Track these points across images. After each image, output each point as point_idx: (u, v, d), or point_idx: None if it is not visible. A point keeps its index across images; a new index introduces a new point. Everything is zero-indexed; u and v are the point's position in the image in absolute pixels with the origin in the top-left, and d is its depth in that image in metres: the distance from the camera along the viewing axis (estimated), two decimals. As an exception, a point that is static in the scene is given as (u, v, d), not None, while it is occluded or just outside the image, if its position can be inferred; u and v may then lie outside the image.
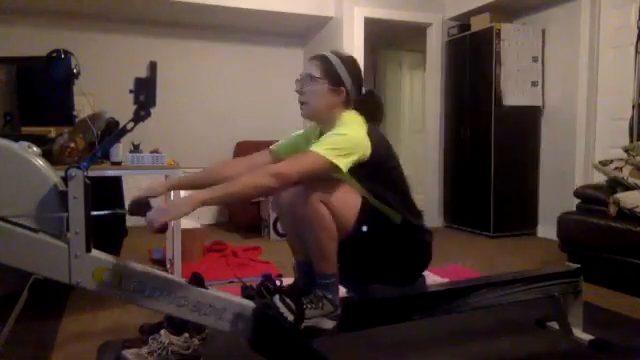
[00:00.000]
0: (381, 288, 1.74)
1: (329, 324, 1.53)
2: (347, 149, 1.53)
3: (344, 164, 1.52)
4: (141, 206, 1.51)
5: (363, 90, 1.78)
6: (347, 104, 1.71)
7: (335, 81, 1.68)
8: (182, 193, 1.70)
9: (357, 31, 4.85)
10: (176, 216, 1.40)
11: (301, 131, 1.91)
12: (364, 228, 1.59)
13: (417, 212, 1.76)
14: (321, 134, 1.73)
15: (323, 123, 1.74)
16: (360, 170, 1.60)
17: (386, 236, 1.66)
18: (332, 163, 1.51)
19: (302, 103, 1.72)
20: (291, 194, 1.60)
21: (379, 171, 1.65)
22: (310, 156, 1.52)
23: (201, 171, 1.80)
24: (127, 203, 1.58)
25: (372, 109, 1.76)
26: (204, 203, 1.38)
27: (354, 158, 1.55)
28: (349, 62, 1.72)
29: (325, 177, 1.56)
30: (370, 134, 1.63)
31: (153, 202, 1.52)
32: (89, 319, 2.34)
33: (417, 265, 1.78)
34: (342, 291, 1.71)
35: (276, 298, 1.52)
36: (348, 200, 1.60)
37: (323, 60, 1.70)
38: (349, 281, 1.73)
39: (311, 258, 1.62)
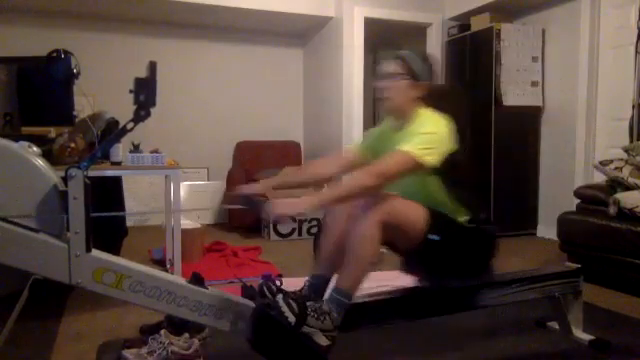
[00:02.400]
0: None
1: (323, 341, 1.51)
2: (435, 147, 1.63)
3: (434, 161, 1.62)
4: (252, 199, 1.68)
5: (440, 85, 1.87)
6: (425, 99, 1.80)
7: (414, 76, 1.77)
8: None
9: (357, 31, 4.85)
10: (292, 212, 1.54)
11: (376, 128, 2.01)
12: (435, 237, 1.65)
13: (480, 206, 1.82)
14: (398, 129, 1.82)
15: (403, 117, 1.82)
16: (441, 167, 1.67)
17: (454, 239, 1.73)
18: (424, 161, 1.61)
19: (385, 99, 1.81)
20: (355, 208, 1.66)
21: (455, 166, 1.73)
22: (404, 155, 1.62)
23: (293, 171, 1.92)
24: (126, 204, 1.59)
25: (449, 103, 1.88)
26: (318, 204, 1.57)
27: (442, 154, 1.65)
28: (425, 58, 1.84)
29: (411, 174, 1.66)
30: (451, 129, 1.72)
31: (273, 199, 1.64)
32: (89, 319, 2.34)
33: (486, 257, 1.86)
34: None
35: (280, 297, 1.51)
36: (413, 212, 1.66)
37: (402, 58, 1.80)
38: (428, 279, 1.84)
39: (340, 273, 1.62)
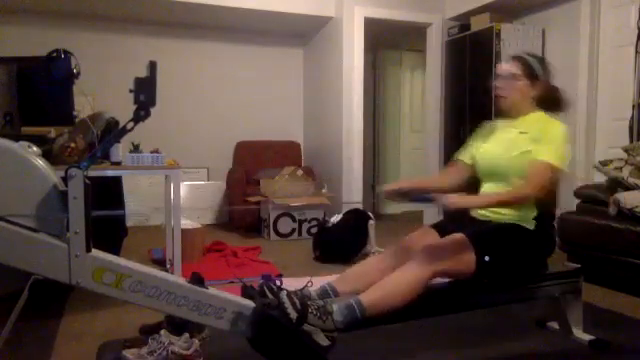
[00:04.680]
0: None
1: (324, 340, 1.51)
2: (565, 153, 1.84)
3: (565, 164, 1.82)
4: (427, 195, 1.83)
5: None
6: (539, 99, 1.98)
7: (532, 77, 1.95)
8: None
9: (357, 31, 4.85)
10: (465, 206, 1.83)
11: (477, 134, 2.17)
12: (487, 258, 1.75)
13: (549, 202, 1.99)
14: (510, 125, 1.99)
15: (516, 113, 1.99)
16: None
17: (511, 246, 1.84)
18: (560, 168, 1.80)
19: (502, 97, 1.99)
20: (413, 251, 1.75)
21: None
22: (547, 167, 1.80)
23: (430, 178, 2.10)
24: (126, 203, 1.59)
25: (556, 104, 2.04)
26: (484, 205, 1.90)
27: (568, 159, 1.85)
28: (541, 61, 2.02)
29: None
30: None
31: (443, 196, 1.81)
32: (89, 319, 2.34)
33: (544, 254, 1.97)
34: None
35: (283, 294, 1.51)
36: (458, 250, 1.74)
37: (520, 60, 1.98)
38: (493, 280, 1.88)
39: (370, 289, 1.64)
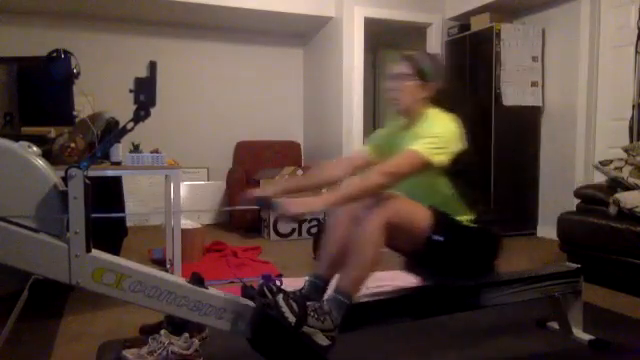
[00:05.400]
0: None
1: (324, 341, 1.51)
2: (445, 147, 1.67)
3: (443, 161, 1.66)
4: (267, 200, 1.74)
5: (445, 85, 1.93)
6: (433, 99, 1.85)
7: (423, 77, 1.82)
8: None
9: (357, 31, 4.85)
10: (305, 211, 1.55)
11: (382, 129, 2.04)
12: (439, 238, 1.67)
13: (486, 207, 1.84)
14: (405, 128, 1.86)
15: (411, 117, 1.86)
16: (450, 166, 1.70)
17: (458, 240, 1.74)
18: (433, 161, 1.64)
19: (394, 99, 1.85)
20: (355, 211, 1.68)
21: (464, 166, 1.78)
22: (414, 155, 1.65)
23: (304, 175, 1.97)
24: (126, 204, 1.59)
25: (455, 103, 1.92)
26: (330, 204, 1.59)
27: (451, 154, 1.69)
28: (434, 59, 1.91)
29: (419, 174, 1.68)
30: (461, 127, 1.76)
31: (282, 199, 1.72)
32: (89, 319, 2.34)
33: (490, 257, 1.90)
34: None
35: (280, 297, 1.51)
36: (417, 214, 1.68)
37: (411, 59, 1.85)
38: (430, 279, 1.86)
39: (342, 274, 1.63)
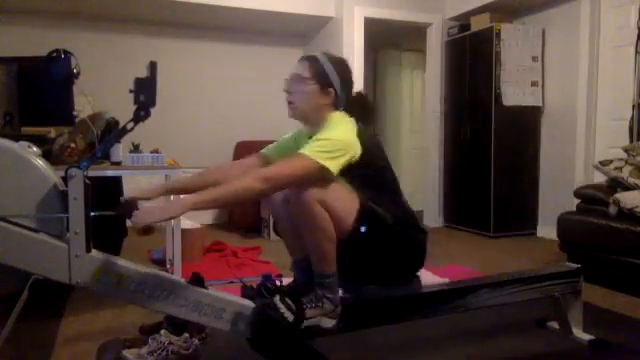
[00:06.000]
0: (376, 289, 1.75)
1: (329, 323, 1.53)
2: (337, 151, 1.54)
3: (334, 166, 1.53)
4: (126, 206, 1.45)
5: (353, 92, 1.79)
6: (336, 106, 1.72)
7: (324, 82, 1.68)
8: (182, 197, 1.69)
9: (357, 31, 4.85)
10: (161, 218, 1.37)
11: (290, 134, 1.92)
12: (363, 228, 1.60)
13: (410, 212, 1.78)
14: (310, 136, 1.70)
15: (311, 124, 1.75)
16: (351, 171, 1.60)
17: (381, 236, 1.66)
18: (322, 166, 1.51)
19: (290, 103, 1.71)
20: (286, 194, 1.61)
21: (369, 171, 1.67)
22: (300, 159, 1.51)
23: (195, 175, 1.76)
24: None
25: (362, 111, 1.78)
26: (193, 207, 1.36)
27: (344, 159, 1.56)
28: (339, 64, 1.72)
29: (315, 181, 1.53)
30: (360, 134, 1.64)
31: (144, 203, 1.51)
32: (89, 319, 2.34)
33: (411, 265, 1.79)
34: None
35: (276, 298, 1.51)
36: (346, 200, 1.60)
37: (313, 61, 1.70)
38: (345, 282, 1.71)
39: (310, 257, 1.62)
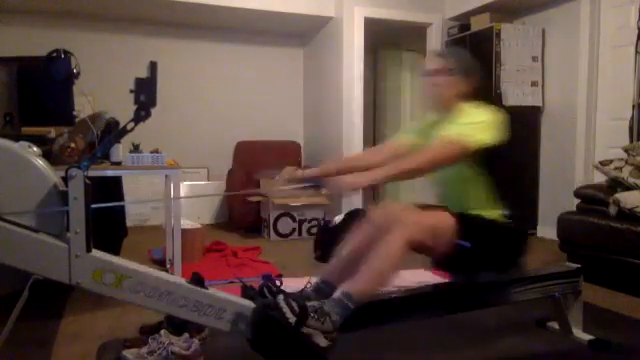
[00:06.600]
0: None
1: (323, 342, 1.50)
2: (476, 133, 1.72)
3: (476, 145, 1.70)
4: (317, 179, 1.85)
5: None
6: (469, 94, 1.90)
7: (462, 72, 1.88)
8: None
9: (357, 31, 4.85)
10: (357, 185, 1.62)
11: (414, 123, 2.15)
12: (465, 244, 1.70)
13: (518, 203, 1.95)
14: (439, 123, 1.88)
15: (446, 112, 1.90)
16: (482, 156, 1.77)
17: (487, 242, 1.78)
18: (467, 145, 1.69)
19: (433, 95, 1.91)
20: (380, 223, 1.71)
21: (495, 158, 1.84)
22: (447, 140, 1.71)
23: (347, 158, 2.02)
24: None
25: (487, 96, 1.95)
26: (378, 180, 1.65)
27: (484, 140, 1.72)
28: (467, 55, 1.96)
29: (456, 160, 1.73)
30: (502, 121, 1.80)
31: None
32: (89, 319, 2.34)
33: (517, 254, 1.95)
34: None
35: (280, 298, 1.51)
36: (440, 224, 1.71)
37: (450, 54, 1.94)
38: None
39: (354, 278, 1.61)
